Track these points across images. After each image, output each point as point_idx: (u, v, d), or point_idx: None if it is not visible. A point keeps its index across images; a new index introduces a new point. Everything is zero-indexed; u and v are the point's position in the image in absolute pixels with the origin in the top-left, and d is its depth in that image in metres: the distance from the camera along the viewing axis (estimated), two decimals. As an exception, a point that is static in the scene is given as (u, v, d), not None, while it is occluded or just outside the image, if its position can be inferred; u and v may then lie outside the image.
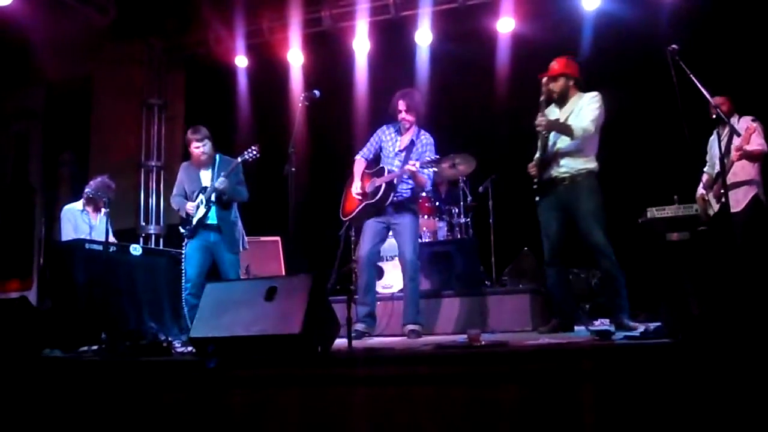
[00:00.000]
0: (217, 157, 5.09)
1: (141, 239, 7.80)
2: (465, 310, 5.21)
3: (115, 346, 3.91)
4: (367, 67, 7.18)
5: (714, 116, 4.68)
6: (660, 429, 2.27)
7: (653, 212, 5.23)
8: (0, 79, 8.00)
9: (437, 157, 4.62)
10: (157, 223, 8.08)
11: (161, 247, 7.53)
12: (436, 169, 4.70)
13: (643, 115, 5.94)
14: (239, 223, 5.10)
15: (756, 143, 4.65)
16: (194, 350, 3.39)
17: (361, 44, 7.14)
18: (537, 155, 4.38)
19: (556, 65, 4.37)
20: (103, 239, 4.97)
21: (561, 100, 4.37)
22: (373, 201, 4.72)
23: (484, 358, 2.75)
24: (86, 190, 5.49)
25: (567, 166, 4.22)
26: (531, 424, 2.42)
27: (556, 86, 4.34)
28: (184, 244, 5.02)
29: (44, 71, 7.94)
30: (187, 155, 5.21)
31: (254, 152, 4.97)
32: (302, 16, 7.24)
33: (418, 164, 4.54)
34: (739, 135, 4.51)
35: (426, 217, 6.06)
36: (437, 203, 6.19)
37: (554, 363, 2.52)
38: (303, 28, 7.29)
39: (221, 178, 4.87)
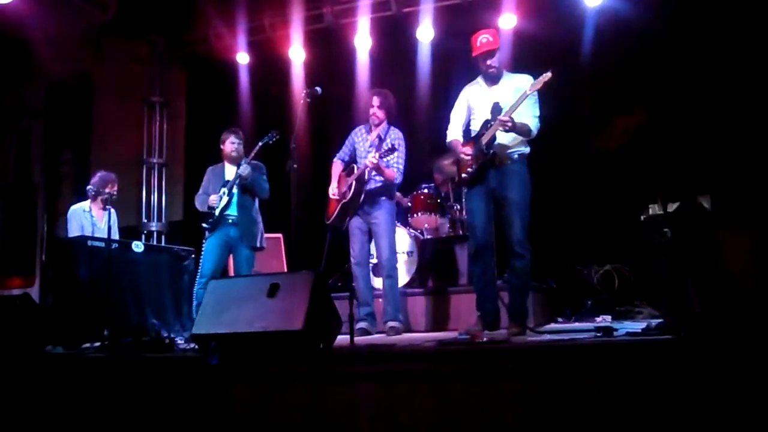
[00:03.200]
0: (243, 161, 5.14)
1: (143, 236, 7.81)
2: (467, 306, 5.21)
3: (118, 342, 3.93)
4: (368, 63, 7.15)
5: None
6: (662, 425, 2.27)
7: (655, 209, 5.22)
8: (1, 77, 8.00)
9: (392, 145, 4.66)
10: (159, 220, 8.08)
11: (163, 244, 7.55)
12: (393, 153, 4.65)
13: (644, 110, 5.92)
14: (260, 221, 5.16)
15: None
16: (197, 347, 3.40)
17: (363, 41, 7.12)
18: (471, 143, 4.03)
19: (491, 39, 3.97)
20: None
21: (496, 78, 4.06)
22: (347, 200, 4.81)
23: (486, 354, 2.75)
24: (88, 188, 5.49)
25: (500, 152, 3.94)
26: (534, 421, 2.42)
27: (496, 62, 4.01)
28: (204, 239, 5.08)
29: (45, 68, 7.92)
30: (190, 153, 5.23)
31: (274, 135, 5.03)
32: (304, 13, 7.23)
33: (377, 155, 4.60)
34: None
35: (428, 213, 6.06)
36: (439, 200, 6.18)
37: (557, 359, 2.52)
38: (304, 24, 7.27)
39: (244, 165, 4.98)
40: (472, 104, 4.17)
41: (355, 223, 4.86)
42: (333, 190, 4.94)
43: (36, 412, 3.28)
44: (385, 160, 4.68)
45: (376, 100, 4.90)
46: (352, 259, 4.91)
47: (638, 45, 5.86)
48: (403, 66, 7.01)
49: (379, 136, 4.89)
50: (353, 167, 4.96)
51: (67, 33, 7.32)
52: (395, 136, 4.87)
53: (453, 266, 5.72)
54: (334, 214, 4.89)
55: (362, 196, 4.80)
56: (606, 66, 6.18)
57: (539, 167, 5.92)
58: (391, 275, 4.78)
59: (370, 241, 4.96)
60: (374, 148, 4.83)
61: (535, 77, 3.92)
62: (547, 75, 3.78)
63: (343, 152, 5.08)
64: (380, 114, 4.89)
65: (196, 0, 7.40)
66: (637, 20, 5.98)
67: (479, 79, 4.17)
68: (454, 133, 4.24)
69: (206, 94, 7.98)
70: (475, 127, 4.12)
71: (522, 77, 4.08)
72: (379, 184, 4.84)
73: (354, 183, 4.80)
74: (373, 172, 4.77)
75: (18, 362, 3.58)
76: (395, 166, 4.78)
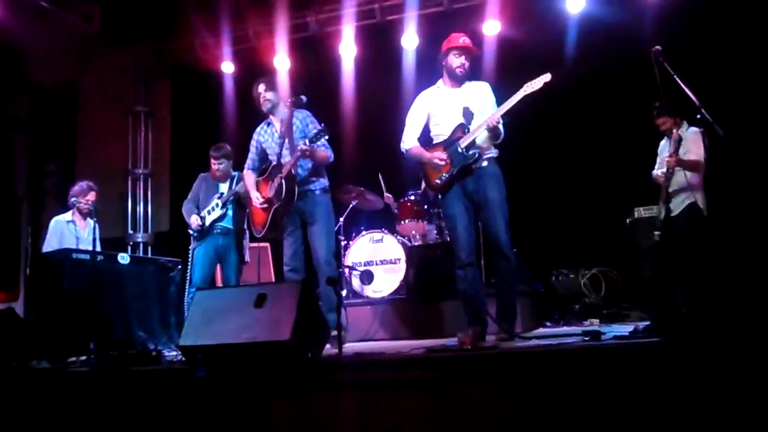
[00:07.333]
0: (236, 174, 5.18)
1: (129, 248, 7.75)
2: (455, 313, 5.20)
3: (104, 356, 3.88)
4: (353, 71, 7.18)
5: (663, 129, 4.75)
6: (649, 428, 2.27)
7: (641, 212, 5.26)
8: (-16, 87, 7.95)
9: (322, 125, 4.34)
10: (145, 231, 8.03)
11: (149, 255, 7.49)
12: (327, 137, 4.37)
13: (628, 115, 5.98)
14: (247, 234, 5.25)
15: (693, 153, 4.54)
16: (184, 359, 3.37)
17: (348, 49, 7.15)
18: (440, 148, 4.00)
19: (469, 42, 4.00)
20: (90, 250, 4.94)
21: (461, 80, 4.04)
22: (281, 202, 4.38)
23: (474, 361, 2.75)
24: (72, 200, 5.46)
25: (480, 154, 3.92)
26: (521, 425, 2.42)
27: (467, 63, 4.00)
28: (191, 248, 5.13)
29: (29, 79, 7.88)
30: (175, 162, 5.25)
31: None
32: (288, 21, 7.24)
33: (307, 141, 4.25)
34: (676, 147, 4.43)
35: (416, 220, 6.07)
36: (426, 206, 6.18)
37: (545, 365, 2.53)
38: (289, 33, 7.28)
39: (241, 183, 4.96)
40: (434, 109, 4.09)
41: (287, 227, 4.48)
42: (258, 200, 4.54)
43: (21, 428, 3.24)
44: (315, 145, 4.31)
45: (260, 86, 4.57)
46: (285, 267, 4.48)
47: (621, 50, 5.91)
48: (388, 73, 7.03)
49: (287, 122, 4.51)
50: (270, 168, 4.58)
51: (52, 43, 7.28)
52: (303, 116, 4.54)
53: (441, 273, 5.72)
54: (267, 225, 4.51)
55: (296, 193, 4.37)
56: (589, 71, 6.24)
57: (526, 172, 6.00)
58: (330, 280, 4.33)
59: (303, 245, 4.53)
60: (285, 137, 4.46)
61: (507, 84, 3.94)
62: (547, 76, 3.78)
63: (252, 160, 4.70)
64: (269, 96, 4.54)
65: (180, 10, 7.39)
66: (619, 26, 6.05)
67: (440, 83, 4.12)
68: (412, 140, 4.12)
69: (191, 103, 7.96)
70: (441, 132, 4.04)
71: (482, 84, 4.08)
72: (307, 172, 4.46)
73: (283, 182, 4.35)
74: (300, 161, 4.38)
75: (2, 377, 3.53)
76: (323, 144, 4.42)
